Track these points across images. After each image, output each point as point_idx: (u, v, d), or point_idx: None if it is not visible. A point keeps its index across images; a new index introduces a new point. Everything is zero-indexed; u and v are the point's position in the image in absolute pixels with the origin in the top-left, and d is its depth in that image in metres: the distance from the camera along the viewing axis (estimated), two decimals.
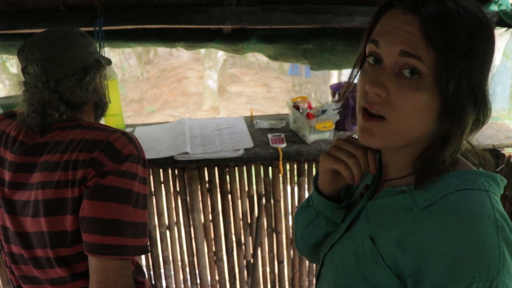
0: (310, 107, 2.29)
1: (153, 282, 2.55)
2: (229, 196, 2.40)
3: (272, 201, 2.43)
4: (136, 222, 1.16)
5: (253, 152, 2.13)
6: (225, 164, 2.31)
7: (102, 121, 1.45)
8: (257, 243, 2.50)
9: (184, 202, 2.38)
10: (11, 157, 1.23)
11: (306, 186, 2.42)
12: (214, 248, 2.53)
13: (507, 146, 2.23)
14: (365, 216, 0.88)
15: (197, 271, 2.57)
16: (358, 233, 0.87)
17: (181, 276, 2.58)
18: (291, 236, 2.55)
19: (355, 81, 0.87)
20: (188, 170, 2.31)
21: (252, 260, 2.55)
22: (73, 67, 1.24)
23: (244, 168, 2.35)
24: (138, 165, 1.18)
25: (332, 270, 0.92)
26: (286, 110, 2.40)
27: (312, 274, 2.65)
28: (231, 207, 2.43)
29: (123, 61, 15.48)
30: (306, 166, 2.36)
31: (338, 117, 2.20)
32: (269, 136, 2.24)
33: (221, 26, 2.16)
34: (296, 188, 2.42)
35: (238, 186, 2.39)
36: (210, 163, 2.23)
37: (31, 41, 1.24)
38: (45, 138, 1.23)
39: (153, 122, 2.57)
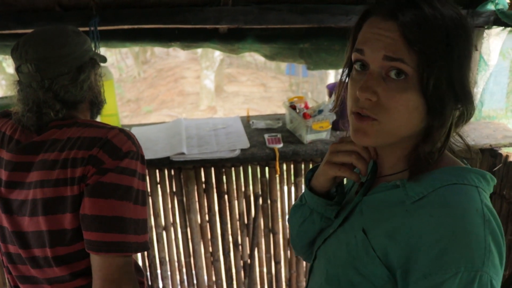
0: (306, 107, 2.29)
1: (149, 283, 2.54)
2: (226, 196, 2.39)
3: (269, 202, 2.43)
4: (136, 219, 1.16)
5: (249, 153, 2.12)
6: (222, 165, 2.30)
7: (98, 119, 1.44)
8: (254, 244, 2.49)
9: (180, 202, 2.38)
10: (7, 156, 1.22)
11: (303, 186, 2.41)
12: (211, 249, 2.52)
13: (504, 146, 2.23)
14: (359, 211, 0.90)
15: (193, 272, 2.56)
16: (352, 226, 0.90)
17: (178, 277, 2.57)
18: (288, 236, 2.54)
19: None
20: (185, 171, 2.30)
21: (249, 261, 2.55)
22: (67, 66, 1.23)
23: (241, 168, 2.35)
24: (137, 162, 1.18)
25: (324, 261, 0.95)
26: (283, 110, 2.40)
27: None
28: (227, 208, 2.42)
29: (120, 61, 15.47)
30: (303, 166, 2.36)
31: (334, 117, 2.20)
32: (266, 136, 2.23)
33: (217, 26, 2.15)
34: (293, 188, 2.42)
35: (234, 187, 2.38)
36: (206, 163, 2.22)
37: (24, 40, 1.22)
38: (42, 136, 1.21)
39: (149, 122, 2.56)
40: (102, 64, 1.37)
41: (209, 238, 2.49)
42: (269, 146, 2.15)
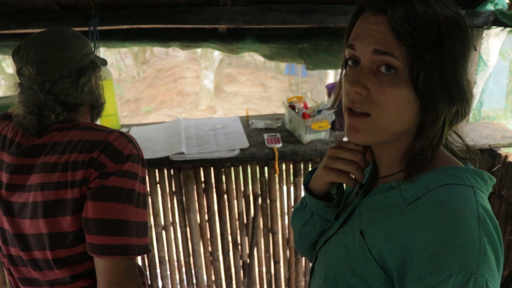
0: (306, 107, 2.29)
1: (149, 282, 2.54)
2: (225, 196, 2.39)
3: (268, 201, 2.43)
4: (138, 222, 1.16)
5: (249, 152, 2.12)
6: (221, 164, 2.30)
7: (98, 122, 1.45)
8: (253, 243, 2.49)
9: (180, 202, 2.38)
10: (8, 159, 1.23)
11: (302, 186, 2.41)
12: (210, 248, 2.52)
13: (504, 146, 2.23)
14: (358, 213, 0.90)
15: (193, 271, 2.56)
16: (351, 228, 0.90)
17: (177, 276, 2.57)
18: (287, 236, 2.55)
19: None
20: (184, 170, 2.30)
21: (248, 260, 2.55)
22: (68, 69, 1.24)
23: (240, 168, 2.35)
24: (138, 165, 1.19)
25: (324, 263, 0.95)
26: (282, 110, 2.40)
27: (308, 274, 2.65)
28: (227, 207, 2.42)
29: (120, 61, 15.47)
30: (302, 166, 2.36)
31: (333, 117, 2.20)
32: (265, 136, 2.23)
33: (217, 26, 2.16)
34: (292, 188, 2.42)
35: (234, 186, 2.38)
36: (205, 163, 2.22)
37: (25, 42, 1.23)
38: (43, 139, 1.22)
39: (149, 122, 2.56)
40: None
41: (208, 237, 2.49)
42: (268, 146, 2.15)
